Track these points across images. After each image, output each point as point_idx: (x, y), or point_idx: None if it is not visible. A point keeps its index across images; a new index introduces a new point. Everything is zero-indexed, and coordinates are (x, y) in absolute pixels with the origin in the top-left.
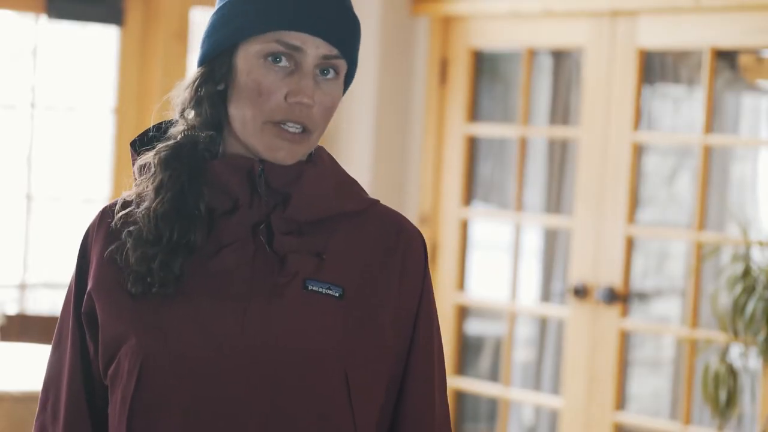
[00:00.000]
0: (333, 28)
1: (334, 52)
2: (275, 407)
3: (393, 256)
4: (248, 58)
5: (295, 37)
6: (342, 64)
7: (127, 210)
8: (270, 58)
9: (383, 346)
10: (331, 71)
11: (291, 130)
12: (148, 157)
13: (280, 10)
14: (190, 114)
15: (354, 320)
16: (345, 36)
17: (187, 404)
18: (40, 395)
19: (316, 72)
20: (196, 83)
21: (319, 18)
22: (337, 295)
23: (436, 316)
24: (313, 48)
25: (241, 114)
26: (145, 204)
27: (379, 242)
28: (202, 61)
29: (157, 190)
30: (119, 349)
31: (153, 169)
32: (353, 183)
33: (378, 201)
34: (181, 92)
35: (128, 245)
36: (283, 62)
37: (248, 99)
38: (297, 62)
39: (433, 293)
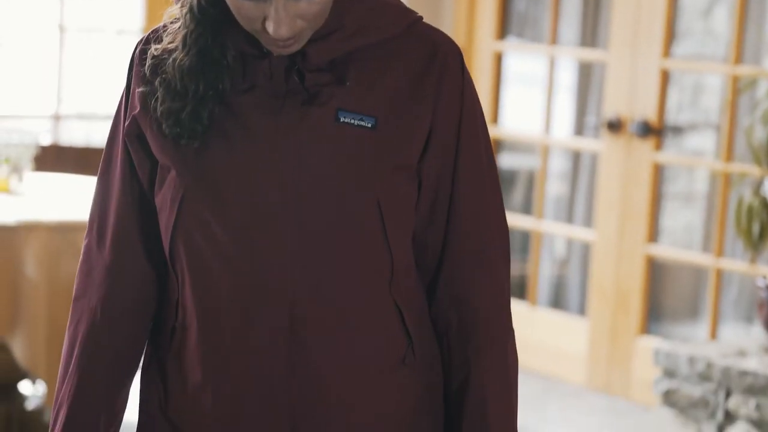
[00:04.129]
0: None
1: None
2: (311, 239)
3: (427, 79)
4: None
5: None
6: None
7: (159, 53)
8: None
9: (417, 175)
10: None
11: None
12: (175, 8)
13: None
14: None
15: (387, 149)
16: None
17: (224, 236)
18: (88, 218)
19: None
20: None
21: None
22: (369, 125)
23: (484, 134)
24: None
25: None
26: (174, 54)
27: (413, 67)
28: None
29: (184, 42)
30: (165, 178)
31: (181, 20)
32: (384, 7)
33: (418, 20)
34: None
35: (158, 93)
36: None
37: (234, 12)
38: None
39: (476, 111)
